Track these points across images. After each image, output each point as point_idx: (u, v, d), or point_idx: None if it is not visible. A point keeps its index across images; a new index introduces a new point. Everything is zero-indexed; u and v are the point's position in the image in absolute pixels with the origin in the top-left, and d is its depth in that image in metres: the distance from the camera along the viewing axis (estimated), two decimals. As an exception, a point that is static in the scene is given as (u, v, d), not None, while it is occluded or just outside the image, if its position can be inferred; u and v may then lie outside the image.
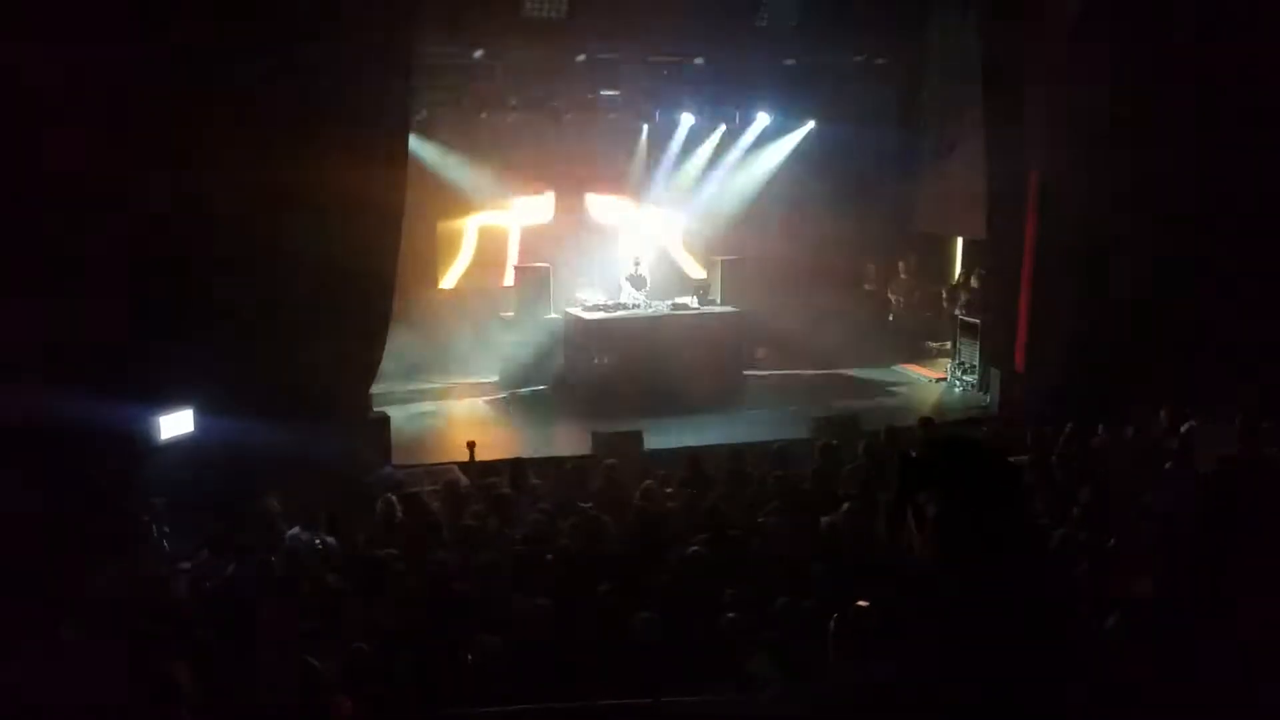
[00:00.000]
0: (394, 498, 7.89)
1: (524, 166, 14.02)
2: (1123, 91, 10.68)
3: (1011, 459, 3.46)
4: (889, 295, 15.01)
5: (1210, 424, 9.22)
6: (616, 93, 13.87)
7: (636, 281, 13.42)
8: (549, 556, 6.84)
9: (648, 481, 8.31)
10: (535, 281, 13.40)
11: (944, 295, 14.46)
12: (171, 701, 4.65)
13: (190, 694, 4.71)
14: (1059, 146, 11.36)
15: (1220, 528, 4.94)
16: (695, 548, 6.79)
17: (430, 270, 14.07)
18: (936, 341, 14.31)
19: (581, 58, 12.98)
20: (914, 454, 3.53)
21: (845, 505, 7.38)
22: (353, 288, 9.60)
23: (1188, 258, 11.01)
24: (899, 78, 14.74)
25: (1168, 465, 8.14)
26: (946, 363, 13.91)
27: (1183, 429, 9.35)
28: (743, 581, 6.32)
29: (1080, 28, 10.73)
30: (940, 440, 3.53)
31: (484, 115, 13.50)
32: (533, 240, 14.46)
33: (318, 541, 7.18)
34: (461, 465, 9.63)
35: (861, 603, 3.34)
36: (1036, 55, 11.51)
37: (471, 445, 9.56)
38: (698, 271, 14.89)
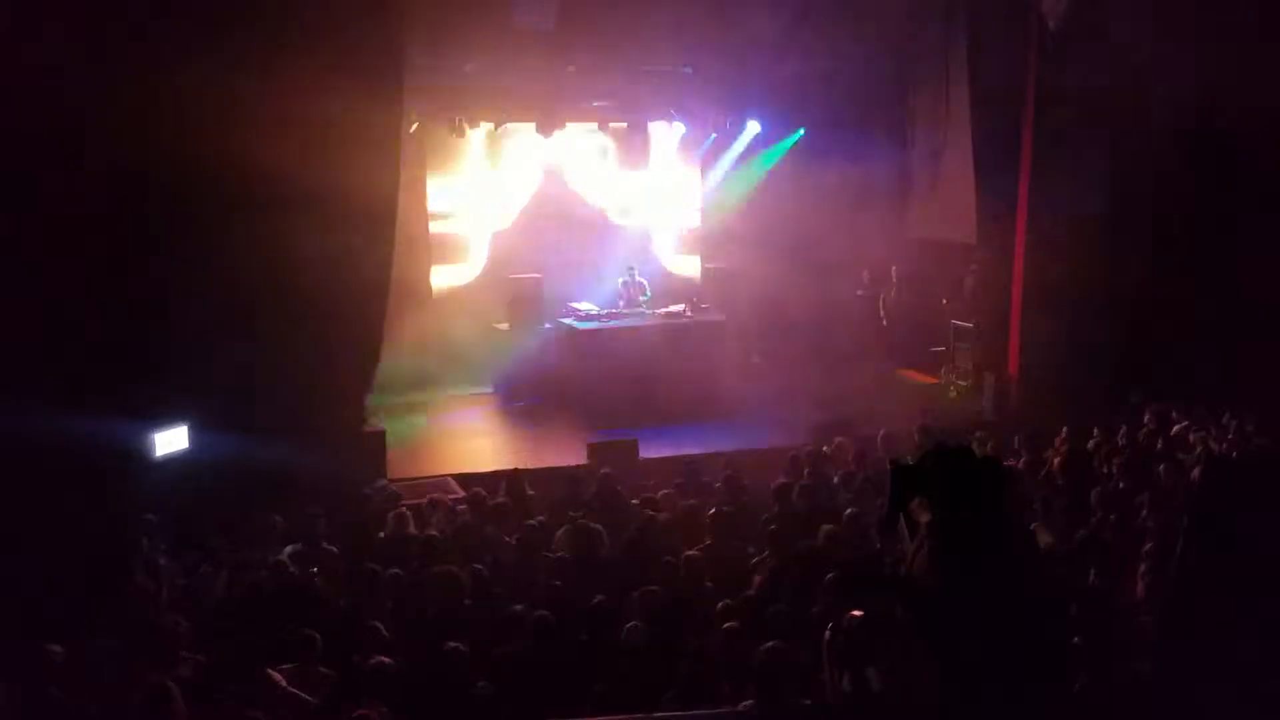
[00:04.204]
0: (392, 510, 7.90)
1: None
2: (1111, 92, 10.74)
3: (1004, 464, 3.49)
4: (882, 300, 15.04)
5: (1200, 423, 9.28)
6: (607, 103, 13.91)
7: (635, 288, 13.45)
8: (545, 567, 6.85)
9: (656, 494, 8.33)
10: (528, 292, 13.41)
11: (939, 299, 14.49)
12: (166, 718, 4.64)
13: (184, 712, 4.70)
14: (1048, 149, 11.42)
15: (1212, 527, 4.94)
16: (693, 555, 6.81)
17: (424, 283, 14.09)
18: (930, 346, 14.32)
19: (572, 68, 13.01)
20: (906, 462, 3.56)
21: (848, 512, 7.40)
22: (346, 301, 9.60)
23: (1180, 259, 11.06)
24: (889, 84, 14.79)
25: (1160, 466, 8.17)
26: (941, 367, 13.93)
27: (1173, 430, 9.40)
28: (740, 590, 6.34)
29: (1067, 30, 10.78)
30: (932, 448, 3.55)
31: (475, 126, 13.58)
32: (525, 249, 14.50)
33: (315, 555, 7.19)
34: (457, 477, 9.63)
35: (856, 612, 3.35)
36: (1023, 59, 11.58)
37: None
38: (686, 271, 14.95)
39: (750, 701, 4.66)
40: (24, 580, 6.41)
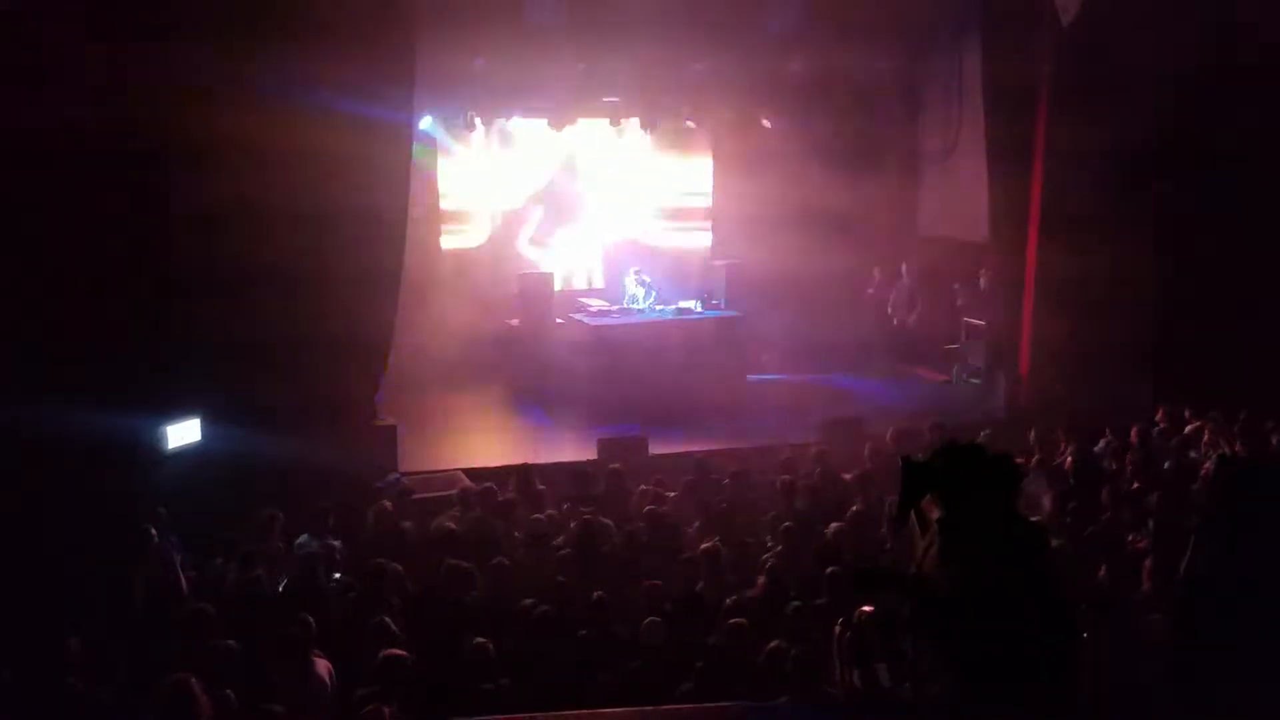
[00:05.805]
0: (389, 504, 7.94)
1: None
2: (1124, 91, 10.70)
3: (1015, 462, 3.49)
4: (893, 298, 15.00)
5: (1212, 423, 9.25)
6: (618, 99, 13.91)
7: (641, 287, 13.48)
8: (553, 561, 6.86)
9: (665, 490, 8.34)
10: (539, 287, 13.43)
11: (951, 298, 14.46)
12: (187, 713, 4.65)
13: (204, 705, 4.72)
14: (1060, 149, 11.38)
15: (1223, 526, 4.94)
16: (700, 551, 6.82)
17: (435, 277, 14.11)
18: (942, 344, 14.29)
19: (582, 65, 13.02)
20: (916, 459, 3.56)
21: (851, 509, 7.41)
22: (359, 294, 9.63)
23: (1192, 258, 11.03)
24: (902, 82, 14.75)
25: (1169, 465, 8.15)
26: (953, 365, 13.90)
27: (1185, 428, 9.37)
28: (747, 587, 6.35)
29: (1078, 33, 10.75)
30: (943, 445, 3.55)
31: (485, 123, 13.63)
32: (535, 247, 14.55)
33: (325, 548, 7.21)
34: (468, 471, 9.65)
35: (866, 608, 3.35)
36: (1037, 59, 11.54)
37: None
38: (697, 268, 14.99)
39: (785, 698, 4.66)
40: (37, 573, 6.45)
